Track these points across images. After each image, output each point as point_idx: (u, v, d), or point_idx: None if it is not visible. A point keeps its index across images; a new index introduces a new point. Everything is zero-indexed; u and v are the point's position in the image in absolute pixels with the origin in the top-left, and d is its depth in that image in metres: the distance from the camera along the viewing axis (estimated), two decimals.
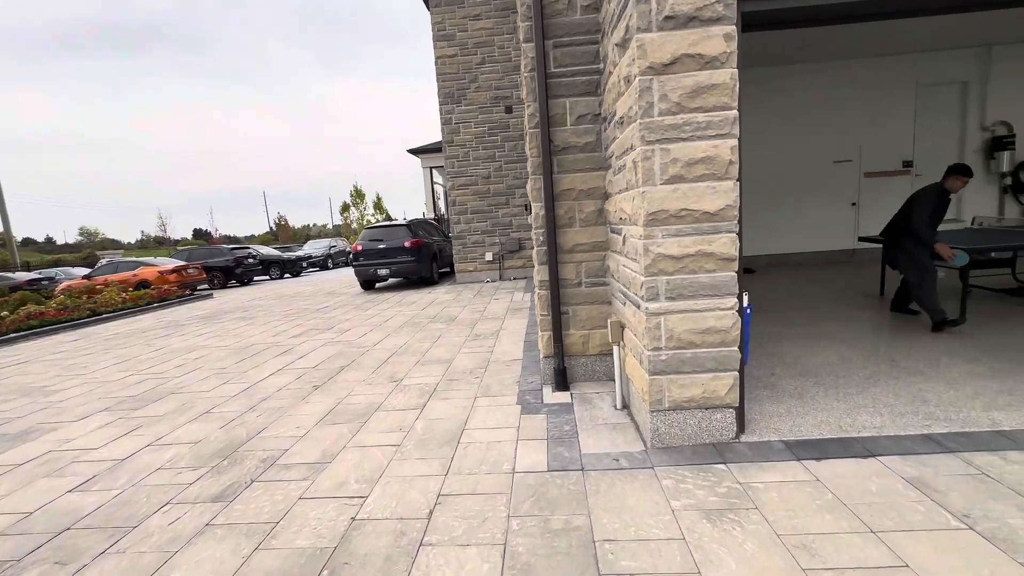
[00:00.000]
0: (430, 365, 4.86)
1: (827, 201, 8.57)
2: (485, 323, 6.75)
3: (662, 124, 2.53)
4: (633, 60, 2.54)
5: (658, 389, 2.73)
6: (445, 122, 11.28)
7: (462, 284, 11.34)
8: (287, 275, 20.67)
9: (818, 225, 8.64)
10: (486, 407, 3.66)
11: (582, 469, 2.65)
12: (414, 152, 16.30)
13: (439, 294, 10.00)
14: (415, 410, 3.71)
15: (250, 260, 17.70)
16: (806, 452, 2.61)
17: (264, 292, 14.14)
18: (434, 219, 15.26)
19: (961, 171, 4.29)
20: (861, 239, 5.96)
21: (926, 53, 8.14)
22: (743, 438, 2.81)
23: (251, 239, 56.88)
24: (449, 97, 11.15)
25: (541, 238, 3.81)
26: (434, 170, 16.16)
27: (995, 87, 8.16)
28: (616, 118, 3.09)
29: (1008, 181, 8.31)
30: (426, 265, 11.38)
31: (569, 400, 3.65)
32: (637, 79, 2.52)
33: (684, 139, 2.53)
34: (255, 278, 18.72)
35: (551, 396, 3.78)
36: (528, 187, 3.92)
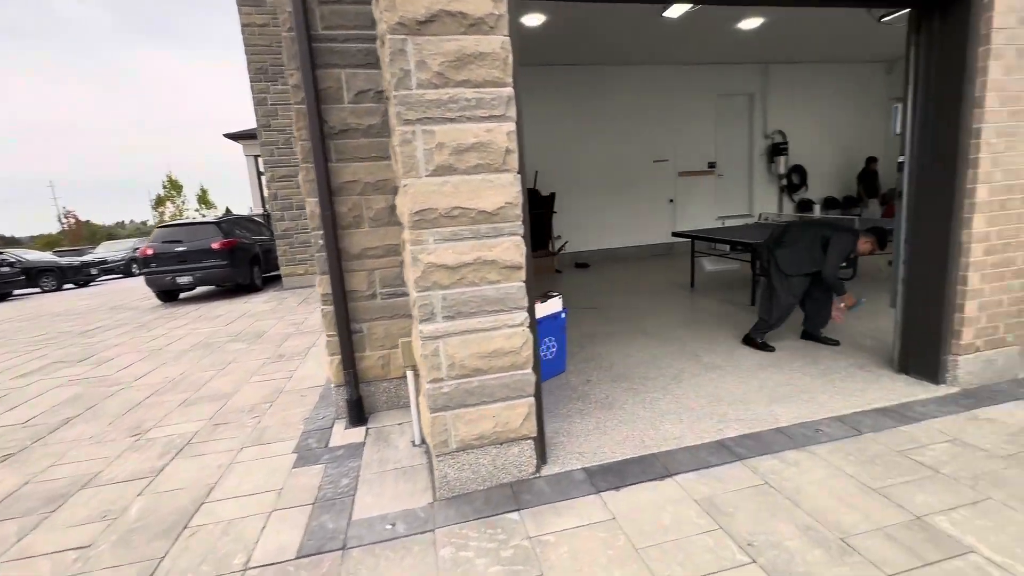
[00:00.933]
0: (199, 404, 3.80)
1: (650, 198, 9.13)
2: (298, 339, 5.74)
3: (423, 99, 1.99)
4: (382, 13, 1.94)
5: (443, 428, 2.22)
6: (259, 103, 9.68)
7: (289, 290, 9.92)
8: (70, 285, 16.48)
9: (643, 220, 9.18)
10: (250, 462, 2.83)
11: (343, 548, 2.02)
12: (232, 137, 14.01)
13: (257, 304, 8.54)
14: (145, 479, 2.72)
15: (3, 269, 13.63)
16: (607, 480, 2.32)
17: (19, 311, 10.88)
18: (261, 215, 13.28)
19: (877, 237, 3.61)
20: (675, 234, 6.30)
21: (722, 66, 9.07)
22: (545, 470, 2.44)
23: (34, 241, 45.29)
24: (261, 73, 9.57)
25: (320, 242, 3.07)
26: (258, 159, 14.07)
27: (772, 100, 9.44)
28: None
29: (784, 182, 9.72)
30: (244, 270, 9.70)
31: (362, 438, 3.00)
32: (388, 38, 1.93)
33: (451, 119, 2.02)
34: (15, 291, 14.51)
35: (342, 435, 3.09)
36: (300, 178, 3.14)
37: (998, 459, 2.27)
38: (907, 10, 2.99)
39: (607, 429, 2.80)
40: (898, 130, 3.24)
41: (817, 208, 9.85)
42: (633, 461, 2.47)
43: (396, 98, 1.97)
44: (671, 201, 9.26)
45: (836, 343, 3.90)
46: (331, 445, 2.96)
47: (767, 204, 9.84)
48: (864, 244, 3.60)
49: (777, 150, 9.42)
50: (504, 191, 2.12)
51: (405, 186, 2.03)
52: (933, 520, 1.91)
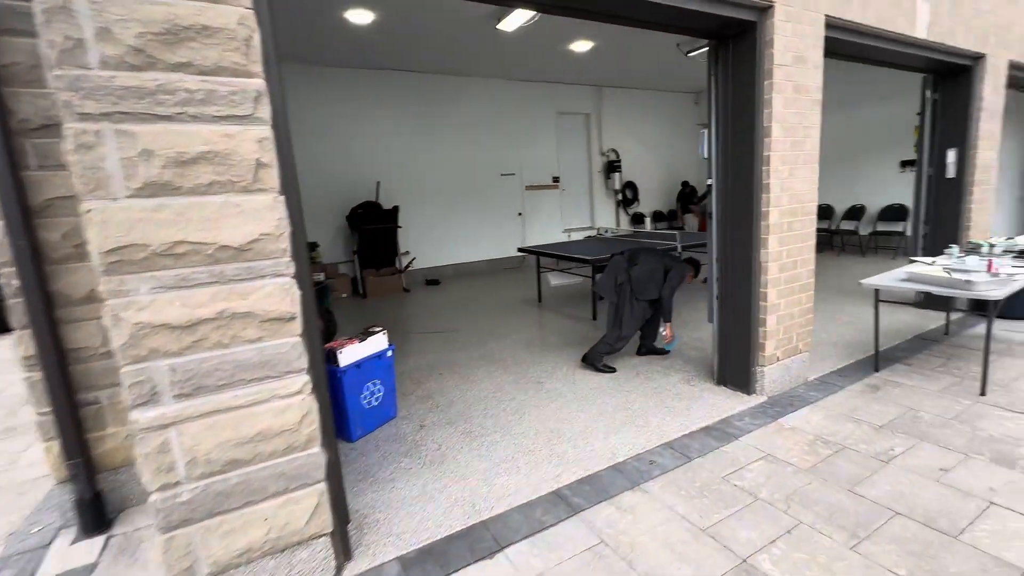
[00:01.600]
0: None
1: (499, 211, 9.07)
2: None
3: (112, 85, 1.35)
4: None
5: (184, 551, 1.57)
6: None
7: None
8: None
9: (493, 234, 9.08)
10: None
11: None
12: None
13: None
14: None
15: None
16: (426, 572, 1.88)
17: None
18: None
19: (694, 267, 3.95)
20: (520, 250, 6.20)
21: (562, 85, 9.43)
22: (349, 569, 1.91)
23: None
24: None
25: (15, 283, 2.14)
26: None
27: (607, 120, 10.11)
28: None
29: (619, 197, 10.47)
30: None
31: (96, 556, 2.14)
32: None
33: (165, 117, 1.41)
34: None
35: (66, 552, 2.18)
36: None
37: (803, 474, 2.37)
38: (706, 47, 3.14)
39: (435, 493, 2.38)
40: (705, 154, 3.40)
41: (648, 221, 10.81)
42: (460, 536, 2.07)
43: (61, 80, 1.30)
44: (520, 215, 9.33)
45: (667, 351, 4.06)
46: (43, 571, 2.04)
47: (607, 216, 10.50)
48: (690, 276, 3.87)
49: (612, 167, 10.10)
50: (258, 218, 1.56)
51: (89, 212, 1.36)
52: (756, 561, 1.84)
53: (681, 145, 11.43)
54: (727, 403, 3.15)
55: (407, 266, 7.56)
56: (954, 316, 4.59)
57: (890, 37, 3.55)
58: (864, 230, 8.48)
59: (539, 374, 3.82)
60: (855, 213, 8.62)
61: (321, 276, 6.72)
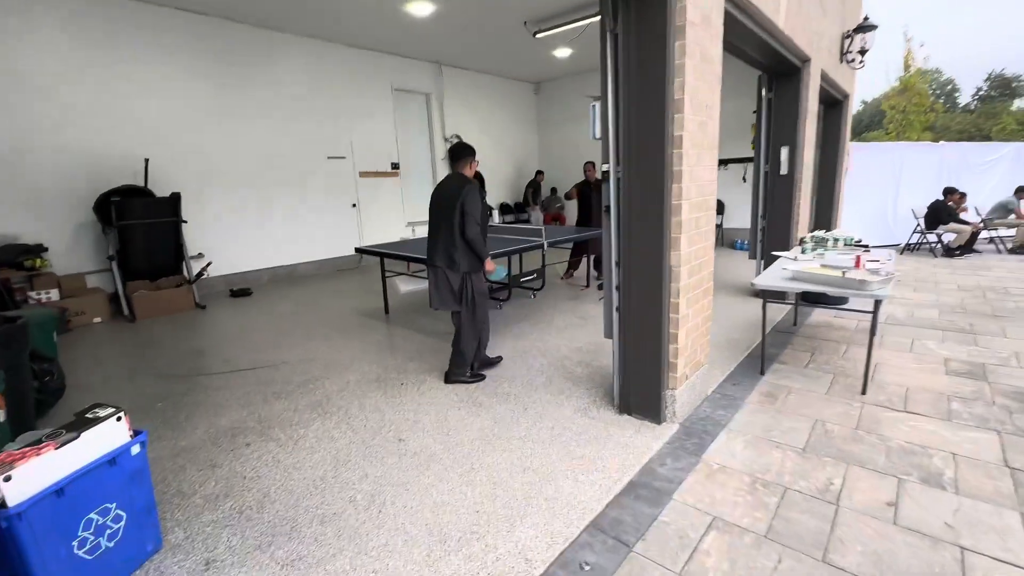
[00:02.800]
0: None
1: (328, 202, 7.53)
2: None
3: None
4: None
5: None
6: None
7: None
8: None
9: (322, 230, 7.52)
10: None
11: None
12: None
13: None
14: None
15: None
16: None
17: None
18: None
19: (473, 153, 3.27)
20: (358, 251, 4.97)
21: (399, 58, 8.22)
22: None
23: None
24: None
25: None
26: None
27: (449, 102, 9.21)
28: None
29: None
30: None
31: None
32: None
33: None
34: None
35: None
36: None
37: (766, 545, 1.85)
38: (557, 28, 2.45)
39: None
40: (598, 133, 2.75)
41: (495, 213, 10.29)
42: None
43: None
44: (354, 206, 7.91)
45: (499, 359, 3.64)
46: None
47: None
48: (473, 165, 3.25)
49: None
50: None
51: None
52: None
53: (525, 136, 11.15)
54: (640, 440, 2.57)
55: (200, 274, 5.64)
56: (783, 306, 4.87)
57: (764, 24, 3.36)
58: None
59: (399, 424, 2.79)
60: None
61: (48, 302, 4.55)
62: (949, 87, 28.27)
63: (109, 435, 1.70)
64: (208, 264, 5.67)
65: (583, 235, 5.56)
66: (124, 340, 4.58)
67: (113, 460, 1.70)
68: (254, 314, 5.32)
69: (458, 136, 9.41)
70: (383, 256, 4.75)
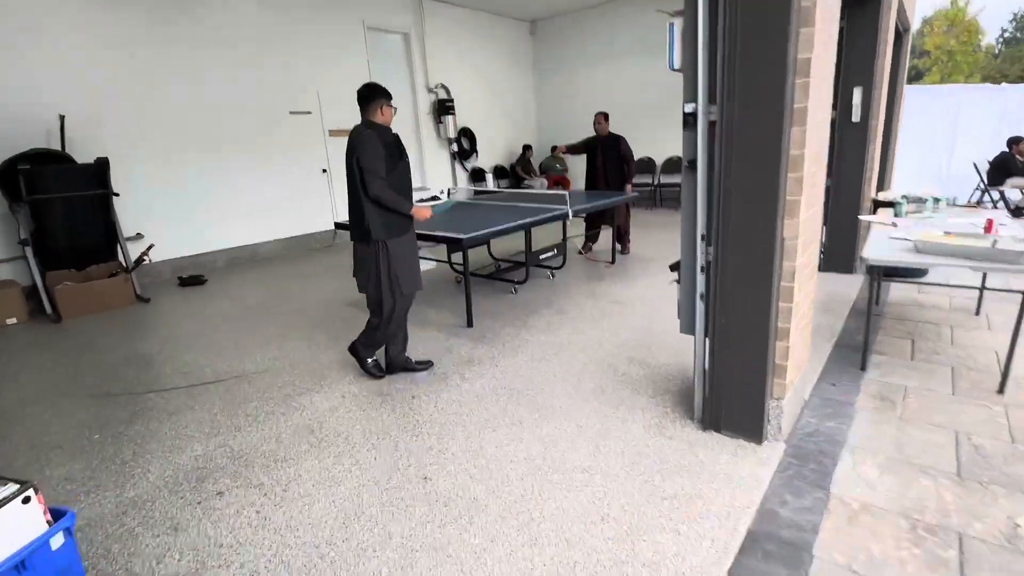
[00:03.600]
0: None
1: (292, 168, 6.88)
2: None
3: None
4: None
5: None
6: None
7: None
8: None
9: (288, 201, 6.89)
10: None
11: None
12: None
13: None
14: None
15: None
16: None
17: None
18: None
19: (386, 96, 2.97)
20: (338, 226, 4.42)
21: None
22: None
23: None
24: None
25: None
26: None
27: (432, 45, 8.50)
28: None
29: (454, 148, 9.11)
30: None
31: None
32: None
33: None
34: None
35: None
36: None
37: None
38: None
39: None
40: (677, 63, 2.26)
41: (490, 178, 9.72)
42: None
43: None
44: (324, 171, 7.28)
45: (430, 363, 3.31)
46: None
47: (441, 172, 9.06)
48: (386, 109, 2.96)
49: (444, 108, 8.63)
50: None
51: None
52: None
53: (520, 84, 10.50)
54: (742, 467, 2.17)
55: (140, 260, 5.03)
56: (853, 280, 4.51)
57: None
58: None
59: (419, 455, 2.35)
60: (675, 166, 8.94)
61: None
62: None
63: (12, 527, 1.21)
64: (150, 247, 5.06)
65: (612, 200, 5.09)
66: (46, 346, 4.00)
67: (21, 565, 1.22)
68: (212, 308, 4.76)
69: (444, 86, 8.75)
70: None
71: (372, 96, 2.89)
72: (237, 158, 6.28)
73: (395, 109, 3.01)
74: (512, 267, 5.04)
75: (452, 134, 8.80)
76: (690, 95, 2.19)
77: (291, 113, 6.80)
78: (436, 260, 4.60)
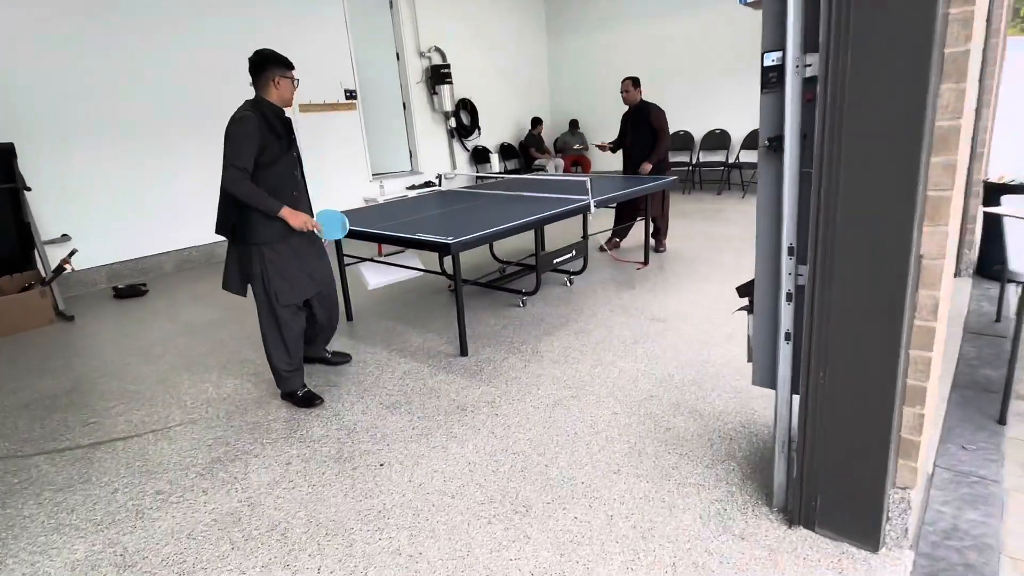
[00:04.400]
0: None
1: None
2: None
3: None
4: None
5: None
6: None
7: None
8: None
9: None
10: None
11: None
12: None
13: None
14: None
15: None
16: None
17: None
18: None
19: (284, 64, 2.74)
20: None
21: None
22: None
23: None
24: None
25: None
26: None
27: (424, 2, 7.95)
28: None
29: (452, 123, 8.57)
30: None
31: None
32: None
33: None
34: None
35: None
36: None
37: None
38: None
39: None
40: None
41: (495, 159, 9.19)
42: None
43: None
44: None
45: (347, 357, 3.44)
46: None
47: (436, 153, 8.54)
48: (283, 83, 2.74)
49: (439, 76, 8.09)
50: None
51: None
52: None
53: (531, 51, 9.92)
54: None
55: (59, 269, 4.57)
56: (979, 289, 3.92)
57: None
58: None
59: (380, 562, 1.84)
60: (717, 141, 8.29)
61: None
62: None
63: None
64: (72, 253, 4.60)
65: (647, 186, 4.53)
66: None
67: None
68: (147, 328, 4.31)
69: (439, 49, 8.21)
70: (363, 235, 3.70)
71: (262, 65, 2.67)
72: (186, 142, 5.81)
73: (296, 82, 2.80)
74: (520, 272, 4.52)
75: (449, 107, 8.26)
76: (773, 40, 1.65)
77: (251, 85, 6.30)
78: (420, 270, 4.08)
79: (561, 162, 9.30)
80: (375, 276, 3.93)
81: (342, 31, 7.08)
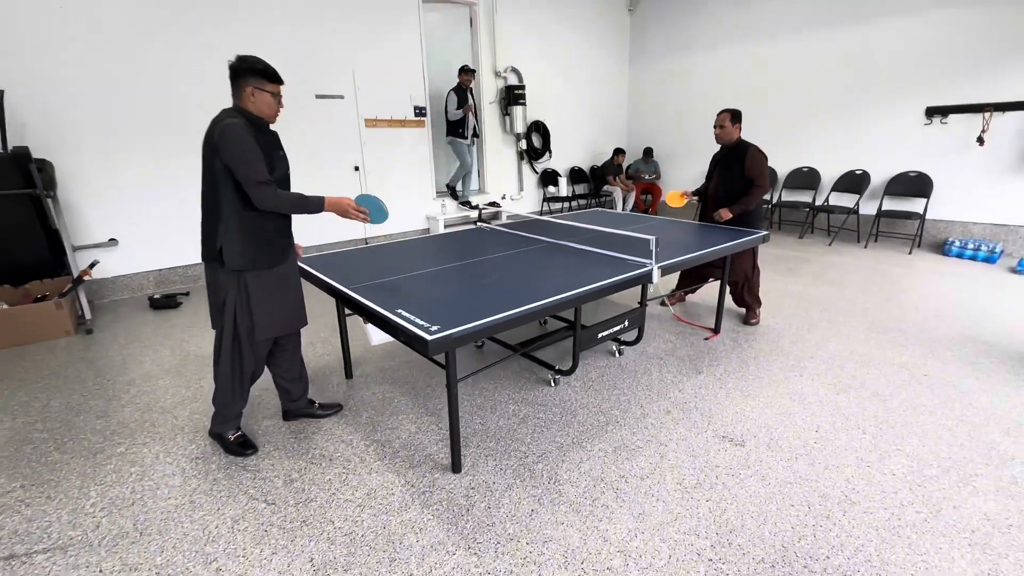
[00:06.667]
0: None
1: (316, 163, 5.46)
2: None
3: None
4: None
5: None
6: None
7: None
8: None
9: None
10: None
11: None
12: None
13: None
14: None
15: None
16: None
17: None
18: None
19: (265, 76, 2.08)
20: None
21: None
22: None
23: None
24: None
25: None
26: None
27: (502, 19, 6.72)
28: None
29: (523, 144, 7.31)
30: None
31: None
32: None
33: None
34: None
35: None
36: None
37: None
38: None
39: None
40: None
41: (563, 183, 7.85)
42: None
43: None
44: (357, 169, 5.80)
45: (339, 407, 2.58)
46: None
47: (504, 174, 7.32)
48: None
49: (513, 97, 6.85)
50: None
51: None
52: None
53: (612, 74, 8.45)
54: None
55: (78, 280, 3.76)
56: None
57: None
58: (866, 208, 6.25)
59: None
60: (853, 183, 6.36)
61: None
62: None
63: None
64: (92, 264, 3.80)
65: (733, 245, 3.07)
66: None
67: None
68: (155, 351, 3.40)
69: (515, 70, 6.96)
70: (340, 293, 2.54)
71: (239, 72, 2.02)
72: None
73: (279, 98, 2.11)
74: (563, 330, 3.19)
75: (521, 128, 7.00)
76: None
77: (318, 97, 5.35)
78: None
79: (632, 197, 7.82)
80: (378, 335, 2.76)
81: (416, 47, 5.99)
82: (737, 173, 3.43)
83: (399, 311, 1.94)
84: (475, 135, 6.33)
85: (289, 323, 2.25)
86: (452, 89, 6.02)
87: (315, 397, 2.68)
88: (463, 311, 1.94)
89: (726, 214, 3.50)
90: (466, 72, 5.97)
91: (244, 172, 1.91)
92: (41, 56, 3.94)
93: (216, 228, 2.01)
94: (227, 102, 2.12)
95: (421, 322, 1.82)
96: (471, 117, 6.14)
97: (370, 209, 2.20)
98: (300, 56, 5.14)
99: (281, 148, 2.16)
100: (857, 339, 3.39)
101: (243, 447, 2.28)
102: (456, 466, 2.13)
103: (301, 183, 5.38)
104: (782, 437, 2.35)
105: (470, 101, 6.12)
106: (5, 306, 3.59)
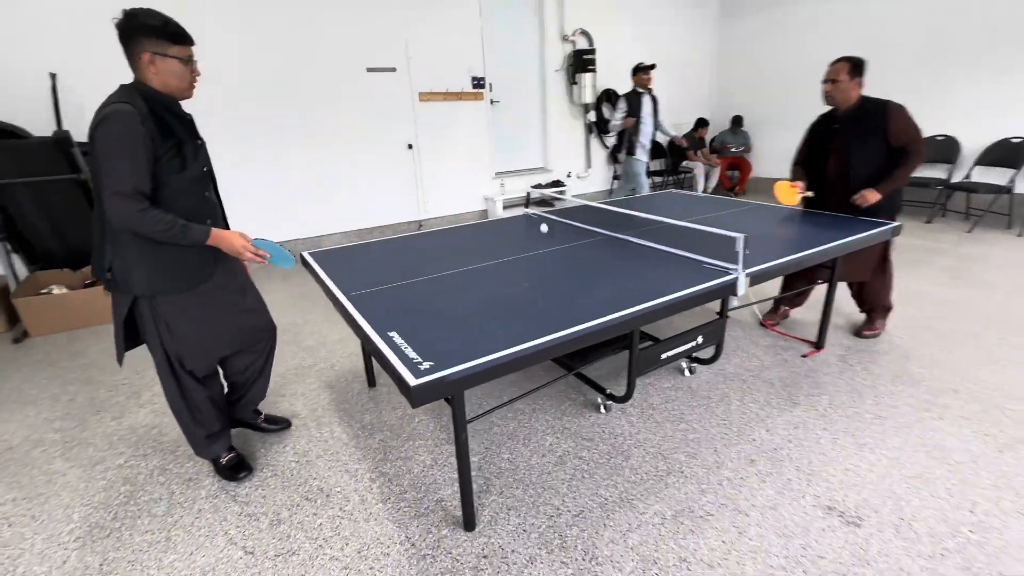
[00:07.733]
0: None
1: (366, 141, 5.16)
2: None
3: None
4: None
5: None
6: None
7: None
8: None
9: (360, 183, 5.22)
10: None
11: None
12: None
13: None
14: None
15: None
16: None
17: None
18: None
19: (164, 35, 1.56)
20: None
21: None
22: None
23: None
24: None
25: None
26: None
27: None
28: None
29: (592, 117, 6.60)
30: None
31: None
32: None
33: None
34: None
35: None
36: None
37: None
38: None
39: None
40: None
41: (642, 154, 7.04)
42: None
43: None
44: (410, 147, 5.44)
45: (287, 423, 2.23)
46: None
47: (570, 150, 6.68)
48: None
49: (582, 63, 6.14)
50: None
51: None
52: None
53: (697, 32, 7.44)
54: None
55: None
56: None
57: None
58: (1022, 187, 4.97)
59: None
60: (1006, 155, 5.07)
61: None
62: None
63: None
64: None
65: (853, 240, 2.34)
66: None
67: None
68: None
69: (585, 33, 6.23)
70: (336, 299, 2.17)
71: (127, 34, 1.51)
72: (291, 129, 4.72)
73: (191, 63, 1.63)
74: (614, 344, 2.63)
75: (588, 98, 6.30)
76: None
77: (368, 70, 5.00)
78: None
79: (716, 172, 6.88)
80: None
81: (474, 12, 5.46)
82: (876, 142, 2.61)
83: (391, 334, 1.50)
84: (629, 152, 5.11)
85: (231, 344, 1.89)
86: (624, 94, 4.94)
87: (333, 405, 2.35)
88: (476, 334, 1.47)
89: (872, 196, 2.59)
90: (643, 71, 4.76)
91: (104, 167, 1.45)
92: (103, 37, 3.88)
93: (103, 246, 1.59)
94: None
95: (411, 354, 1.36)
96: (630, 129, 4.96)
97: (271, 254, 1.71)
98: (350, 28, 4.80)
99: (198, 136, 1.73)
100: (1021, 364, 2.53)
101: (235, 471, 1.99)
102: (469, 523, 1.69)
103: (350, 165, 5.15)
104: (918, 517, 1.68)
105: (647, 108, 4.90)
106: (65, 290, 3.64)
